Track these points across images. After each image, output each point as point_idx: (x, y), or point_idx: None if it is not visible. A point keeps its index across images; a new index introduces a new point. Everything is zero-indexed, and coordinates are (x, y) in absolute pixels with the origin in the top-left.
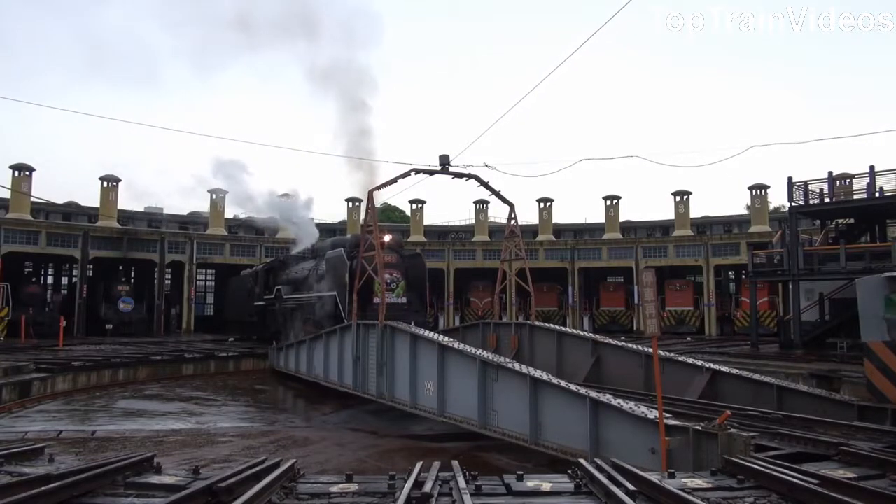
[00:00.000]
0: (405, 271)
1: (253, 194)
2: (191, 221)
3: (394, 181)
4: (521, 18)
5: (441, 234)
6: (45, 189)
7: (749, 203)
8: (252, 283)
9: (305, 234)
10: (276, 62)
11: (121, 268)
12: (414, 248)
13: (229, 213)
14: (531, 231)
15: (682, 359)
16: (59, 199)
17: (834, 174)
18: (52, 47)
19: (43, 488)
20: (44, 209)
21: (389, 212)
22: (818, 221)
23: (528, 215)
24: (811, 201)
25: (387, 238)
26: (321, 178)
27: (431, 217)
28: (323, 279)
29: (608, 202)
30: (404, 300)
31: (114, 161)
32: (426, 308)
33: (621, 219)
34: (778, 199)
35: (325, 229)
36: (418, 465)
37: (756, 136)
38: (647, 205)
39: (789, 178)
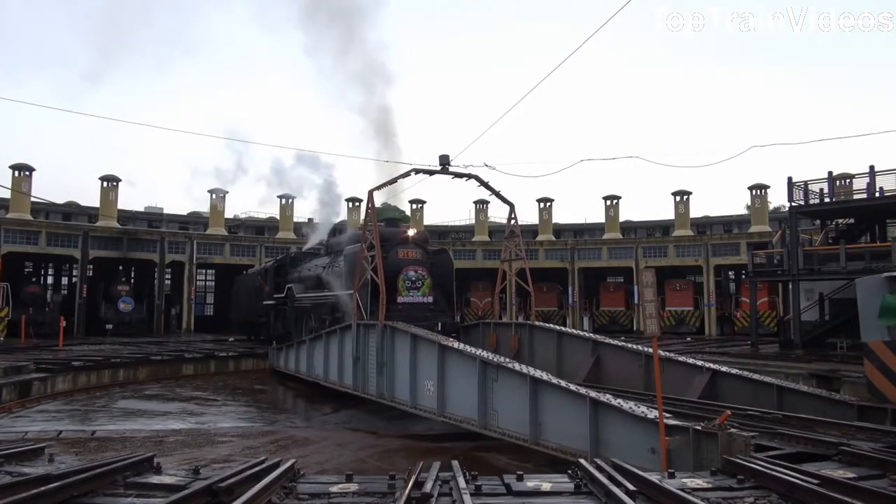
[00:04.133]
0: (430, 268)
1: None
2: (191, 221)
3: (394, 181)
4: (522, 18)
5: (441, 234)
6: (45, 189)
7: (749, 203)
8: (261, 282)
9: (326, 216)
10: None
11: (121, 268)
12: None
13: (229, 213)
14: (531, 231)
15: (682, 359)
16: (59, 199)
17: (834, 174)
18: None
19: (43, 488)
20: (44, 209)
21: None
22: (818, 221)
23: (528, 215)
24: (811, 201)
25: (411, 232)
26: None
27: (431, 217)
28: (341, 276)
29: (608, 202)
30: (430, 299)
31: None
32: (453, 308)
33: (621, 219)
34: (778, 199)
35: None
36: (418, 465)
37: (756, 135)
38: (647, 205)
39: (789, 179)
